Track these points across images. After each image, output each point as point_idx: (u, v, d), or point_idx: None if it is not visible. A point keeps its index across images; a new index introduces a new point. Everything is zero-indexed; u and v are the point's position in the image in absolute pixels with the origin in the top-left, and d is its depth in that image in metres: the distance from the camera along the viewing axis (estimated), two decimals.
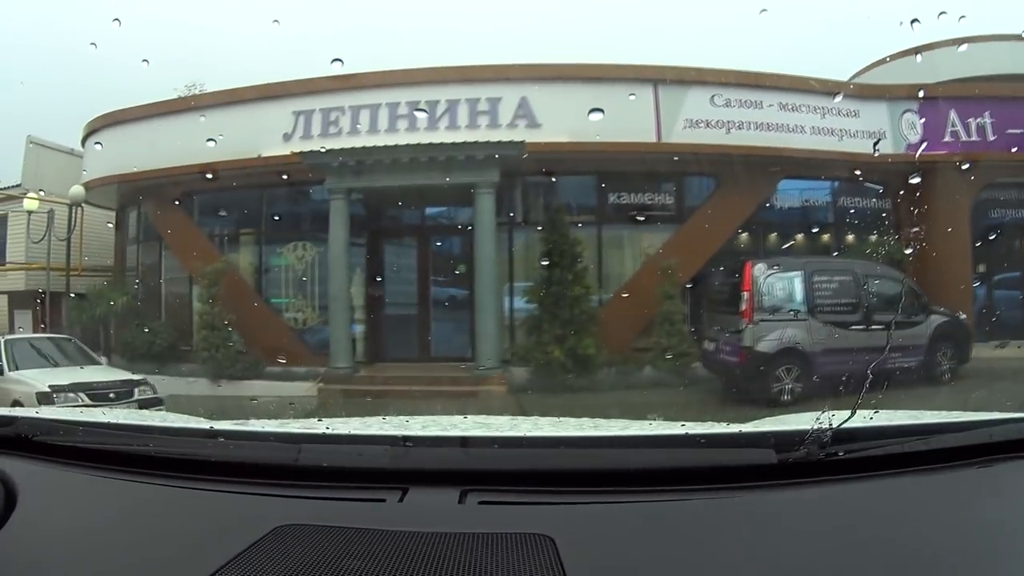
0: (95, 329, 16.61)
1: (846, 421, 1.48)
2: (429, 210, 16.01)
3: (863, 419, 1.60)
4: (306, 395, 13.01)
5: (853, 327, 10.93)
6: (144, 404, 10.01)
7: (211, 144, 12.81)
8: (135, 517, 1.40)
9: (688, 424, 1.81)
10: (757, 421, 1.96)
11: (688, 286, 14.19)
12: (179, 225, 15.90)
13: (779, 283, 12.06)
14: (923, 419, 1.86)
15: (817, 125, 14.24)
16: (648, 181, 15.10)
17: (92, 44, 9.05)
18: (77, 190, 16.87)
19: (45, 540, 1.30)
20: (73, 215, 17.87)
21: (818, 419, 1.45)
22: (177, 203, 15.67)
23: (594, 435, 1.79)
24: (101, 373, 10.90)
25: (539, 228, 14.39)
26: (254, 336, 14.66)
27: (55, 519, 1.39)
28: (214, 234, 16.31)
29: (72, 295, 16.82)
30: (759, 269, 12.02)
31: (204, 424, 1.86)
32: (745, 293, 11.77)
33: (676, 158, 13.67)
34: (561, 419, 2.11)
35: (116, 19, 8.19)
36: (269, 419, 2.06)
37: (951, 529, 1.28)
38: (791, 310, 11.72)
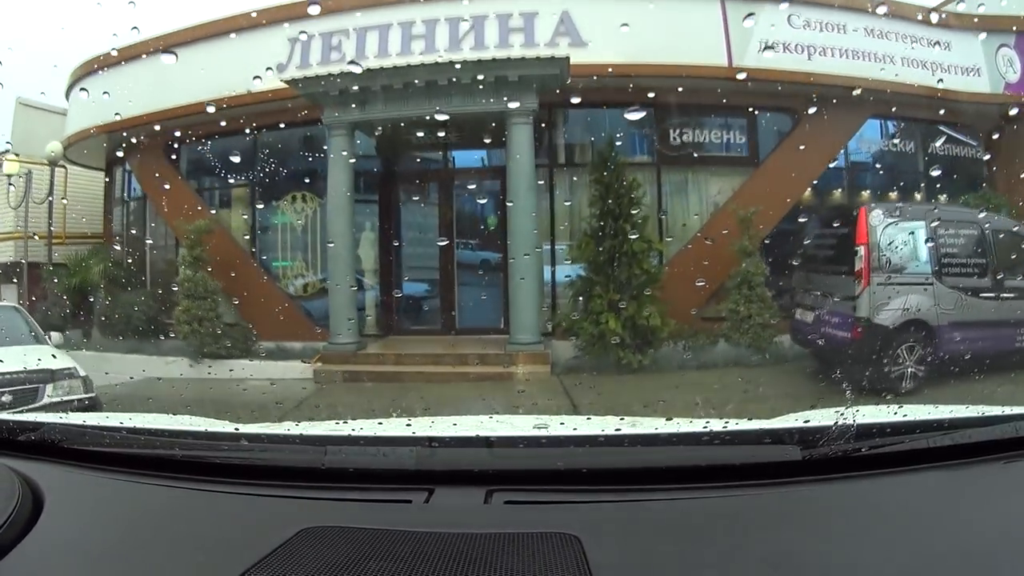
0: (76, 302, 14.71)
1: (870, 416, 1.58)
2: (453, 152, 13.52)
3: (886, 414, 1.74)
4: (300, 377, 10.67)
5: (983, 294, 9.24)
6: (58, 407, 7.12)
7: (196, 83, 11.18)
8: (161, 521, 1.40)
9: (712, 421, 1.78)
10: (780, 417, 1.94)
11: (766, 241, 11.76)
12: (163, 179, 13.67)
13: (900, 236, 9.41)
14: (947, 413, 1.78)
15: (907, 56, 12.18)
16: (716, 115, 12.62)
17: None
18: (54, 147, 14.88)
19: (73, 545, 1.29)
20: (54, 177, 15.91)
21: (842, 414, 1.51)
22: (162, 155, 13.60)
23: (618, 433, 1.72)
24: (16, 359, 7.70)
25: (587, 169, 11.91)
26: (246, 306, 12.51)
27: (82, 524, 1.38)
28: (203, 188, 14.10)
29: (52, 265, 14.96)
30: (877, 216, 9.39)
31: (230, 427, 1.92)
32: (861, 248, 9.15)
33: (750, 85, 11.18)
34: (588, 418, 2.12)
35: None
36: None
37: (977, 524, 1.27)
38: (915, 271, 9.32)
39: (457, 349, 11.25)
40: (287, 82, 10.96)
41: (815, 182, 12.62)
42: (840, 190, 13.12)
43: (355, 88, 10.74)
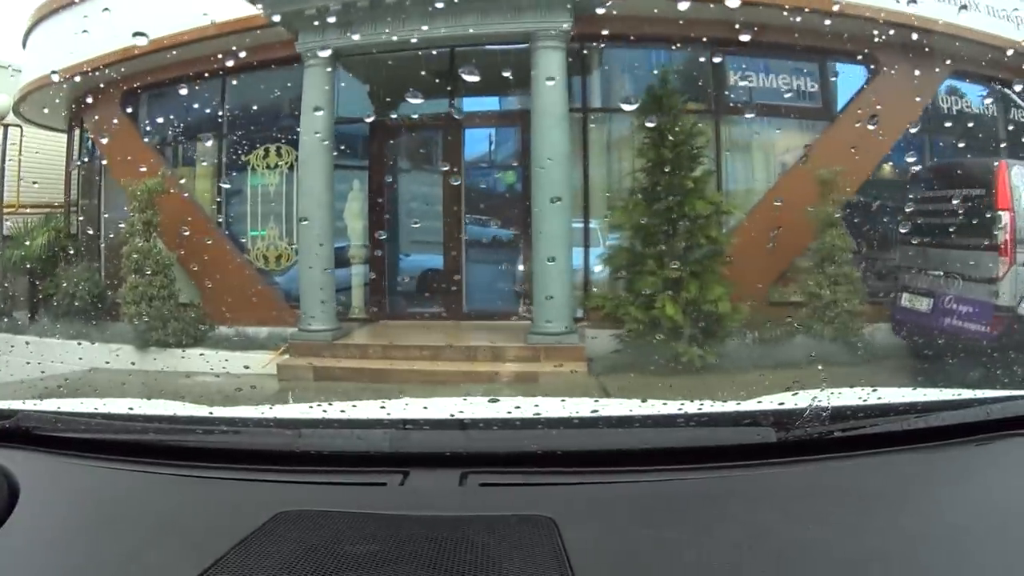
0: (19, 279, 12.64)
1: (841, 399, 1.57)
2: (462, 97, 10.89)
3: (860, 397, 1.72)
4: (261, 373, 8.43)
5: None
6: None
7: (156, 19, 9.05)
8: (137, 506, 1.40)
9: (687, 403, 1.75)
10: (755, 399, 1.90)
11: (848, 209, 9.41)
12: (118, 135, 11.42)
13: None
14: (920, 397, 1.81)
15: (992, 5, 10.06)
16: (786, 57, 10.29)
17: None
18: (1, 104, 12.80)
19: (49, 532, 1.30)
20: (6, 139, 13.70)
21: (816, 397, 1.55)
22: (117, 107, 11.34)
23: (593, 415, 1.76)
24: None
25: (632, 115, 9.61)
26: (205, 283, 10.22)
27: (58, 511, 1.40)
28: (163, 143, 11.75)
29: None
30: (1019, 174, 7.22)
31: (204, 411, 1.88)
32: (1004, 214, 7.03)
33: (828, 22, 8.86)
34: (562, 400, 1.99)
35: None
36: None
37: (950, 505, 1.30)
38: None
39: (463, 339, 8.99)
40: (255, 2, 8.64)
41: (901, 140, 10.23)
42: (927, 150, 10.81)
43: (336, 5, 8.43)
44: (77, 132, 13.30)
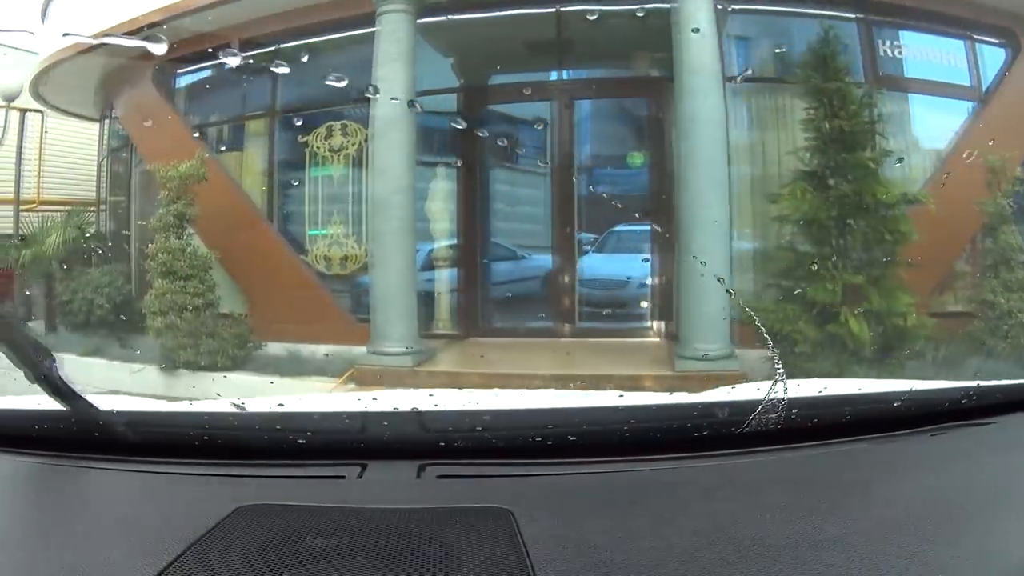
0: (30, 284, 11.02)
1: (799, 391, 1.50)
2: (574, 66, 9.08)
3: (818, 388, 1.68)
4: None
5: None
6: None
7: None
8: (91, 505, 1.40)
9: (642, 394, 2.07)
10: (711, 391, 1.93)
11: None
12: (151, 115, 9.62)
13: None
14: (875, 388, 1.87)
15: None
16: (934, 29, 8.53)
17: None
18: (11, 83, 10.95)
19: (2, 531, 1.29)
20: (23, 123, 11.72)
21: (773, 388, 1.47)
22: (151, 83, 9.63)
23: (549, 407, 1.72)
24: None
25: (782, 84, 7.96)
26: (253, 289, 8.54)
27: (10, 510, 1.38)
28: (205, 123, 9.97)
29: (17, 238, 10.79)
30: None
31: (159, 405, 1.90)
32: None
33: None
34: (519, 391, 2.02)
35: None
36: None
37: (906, 494, 1.31)
38: None
39: (586, 366, 7.08)
40: None
41: None
42: None
43: None
44: (107, 118, 11.61)
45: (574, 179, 8.75)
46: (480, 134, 8.89)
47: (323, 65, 8.90)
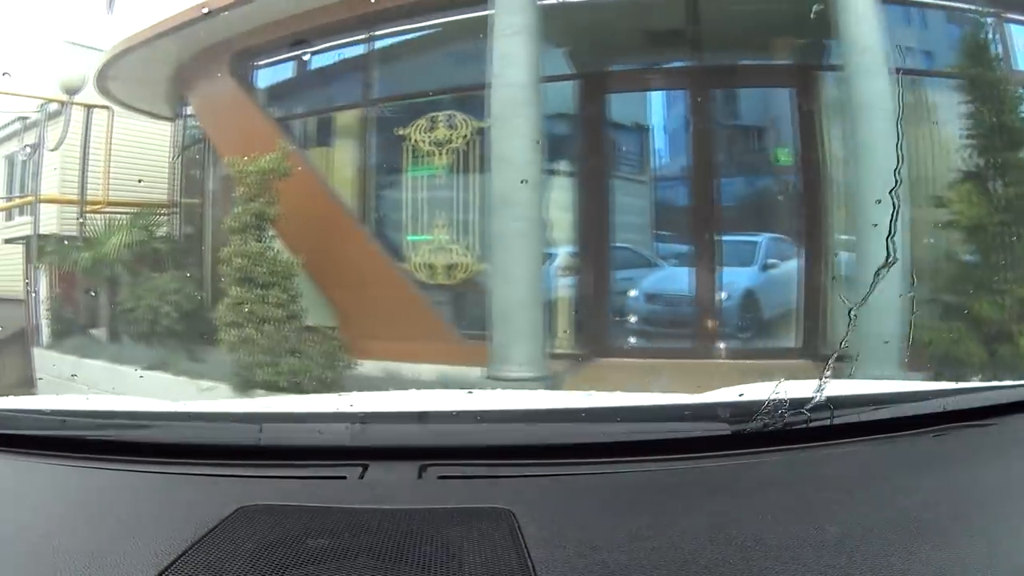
0: (91, 289, 10.10)
1: (800, 392, 1.50)
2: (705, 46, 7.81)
3: (817, 389, 1.62)
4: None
5: None
6: None
7: None
8: (95, 504, 1.41)
9: (645, 395, 1.82)
10: (714, 391, 1.86)
11: None
12: (229, 107, 8.85)
13: None
14: (877, 389, 1.84)
15: None
16: None
17: None
18: (73, 76, 10.13)
19: (6, 532, 1.29)
20: (89, 118, 10.92)
21: (775, 389, 1.48)
22: (229, 73, 8.75)
23: (550, 408, 1.79)
24: None
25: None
26: (344, 300, 7.52)
27: (11, 510, 1.38)
28: (289, 116, 8.98)
29: (65, 239, 10.15)
30: None
31: (165, 406, 1.86)
32: None
33: None
34: (519, 392, 2.21)
35: None
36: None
37: (907, 495, 1.31)
38: None
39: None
40: None
41: None
42: None
43: None
44: (180, 116, 10.75)
45: (711, 181, 7.62)
46: (600, 132, 7.82)
47: (423, 47, 8.01)
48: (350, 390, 6.32)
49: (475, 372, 6.23)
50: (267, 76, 9.13)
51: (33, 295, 10.19)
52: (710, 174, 7.61)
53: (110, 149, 10.94)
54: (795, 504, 1.26)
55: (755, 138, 8.31)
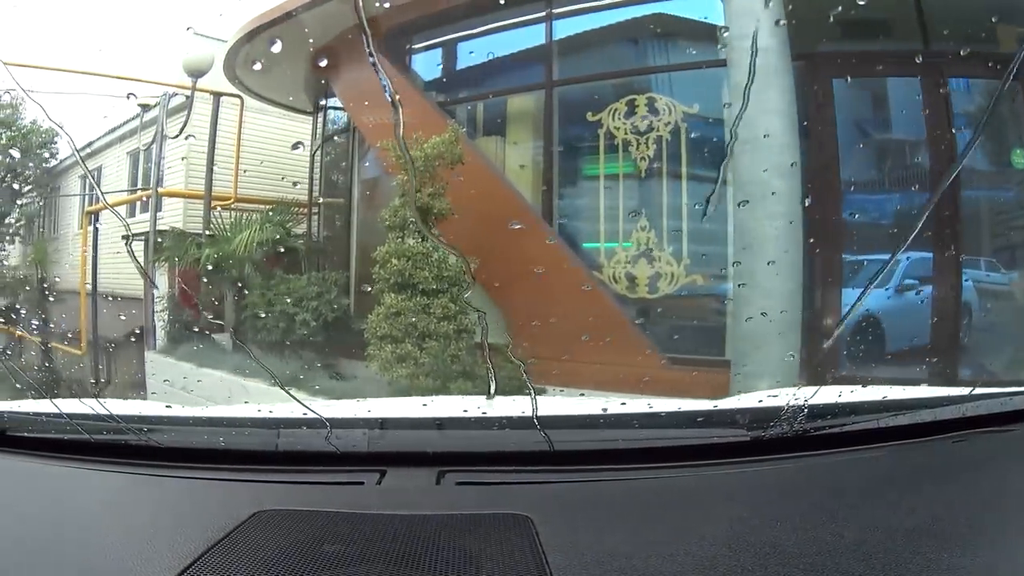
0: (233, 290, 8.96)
1: (818, 398, 1.52)
2: None
3: (837, 396, 1.68)
4: None
5: None
6: None
7: None
8: (115, 507, 1.42)
9: (661, 402, 1.80)
10: (733, 398, 1.98)
11: None
12: (381, 92, 7.51)
13: None
14: (894, 395, 1.82)
15: None
16: None
17: None
18: (197, 57, 9.31)
19: (26, 535, 1.28)
20: (216, 110, 10.21)
21: (794, 395, 1.51)
22: (381, 52, 7.46)
23: (568, 414, 1.81)
24: None
25: None
26: (523, 314, 6.08)
27: (33, 513, 1.38)
28: (453, 101, 7.92)
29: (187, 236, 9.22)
30: None
31: (184, 411, 1.89)
32: None
33: None
34: (537, 398, 1.93)
35: None
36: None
37: (925, 501, 1.30)
38: None
39: None
40: None
41: None
42: None
43: None
44: (320, 108, 10.10)
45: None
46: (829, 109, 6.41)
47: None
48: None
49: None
50: (427, 55, 8.21)
51: (149, 294, 9.48)
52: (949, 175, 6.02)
53: (240, 141, 10.18)
54: (813, 510, 1.24)
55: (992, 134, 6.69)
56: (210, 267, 8.23)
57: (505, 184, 6.94)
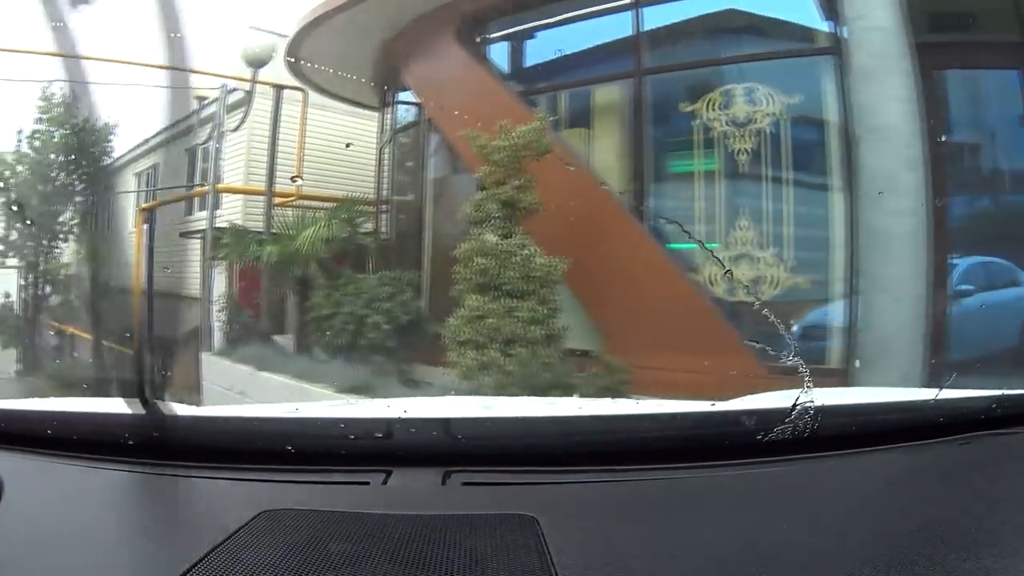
0: (296, 290, 8.75)
1: (826, 399, 1.47)
2: None
3: (845, 395, 1.77)
4: None
5: None
6: None
7: None
8: (121, 505, 1.42)
9: (669, 401, 1.77)
10: (739, 399, 1.84)
11: None
12: (457, 81, 7.53)
13: None
14: (903, 396, 1.87)
15: None
16: None
17: None
18: (257, 46, 8.98)
19: (32, 533, 1.26)
20: (278, 104, 9.82)
21: (801, 396, 1.46)
22: (455, 41, 7.48)
23: (574, 415, 1.77)
24: None
25: None
26: (614, 318, 5.96)
27: (41, 512, 1.37)
28: (533, 90, 7.52)
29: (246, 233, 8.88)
30: None
31: (189, 409, 1.82)
32: None
33: None
34: (542, 399, 2.18)
35: None
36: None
37: (934, 502, 1.30)
38: None
39: None
40: None
41: None
42: None
43: None
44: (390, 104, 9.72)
45: None
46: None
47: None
48: None
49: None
50: (505, 43, 7.84)
51: (206, 293, 9.19)
52: None
53: (303, 135, 9.84)
54: (819, 512, 1.24)
55: None
56: (272, 266, 7.96)
57: (593, 179, 6.57)
